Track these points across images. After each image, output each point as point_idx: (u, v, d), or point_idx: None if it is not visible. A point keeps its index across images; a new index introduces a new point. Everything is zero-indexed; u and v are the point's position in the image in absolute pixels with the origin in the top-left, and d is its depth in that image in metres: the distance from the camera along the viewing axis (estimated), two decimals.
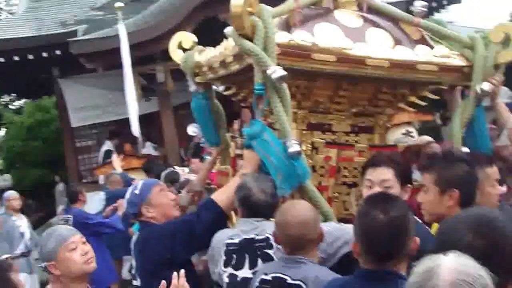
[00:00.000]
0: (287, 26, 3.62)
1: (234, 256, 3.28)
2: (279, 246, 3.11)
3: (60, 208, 12.79)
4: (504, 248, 1.83)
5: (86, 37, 11.29)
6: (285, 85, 3.35)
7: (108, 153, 11.78)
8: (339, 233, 3.16)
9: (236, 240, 3.31)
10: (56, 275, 3.13)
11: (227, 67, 3.84)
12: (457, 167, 2.89)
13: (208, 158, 8.45)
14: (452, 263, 1.57)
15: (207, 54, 4.18)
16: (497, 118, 4.41)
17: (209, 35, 10.04)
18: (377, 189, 3.07)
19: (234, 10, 3.21)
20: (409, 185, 3.25)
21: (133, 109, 9.93)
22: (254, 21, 3.30)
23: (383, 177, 3.15)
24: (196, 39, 4.53)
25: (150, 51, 10.68)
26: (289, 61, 3.44)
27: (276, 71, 3.20)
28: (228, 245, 3.31)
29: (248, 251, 3.26)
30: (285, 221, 2.97)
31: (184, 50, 4.51)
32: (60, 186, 15.31)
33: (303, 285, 2.85)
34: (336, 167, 3.78)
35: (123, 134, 11.79)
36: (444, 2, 11.62)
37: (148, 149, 12.07)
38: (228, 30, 4.03)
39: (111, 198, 7.36)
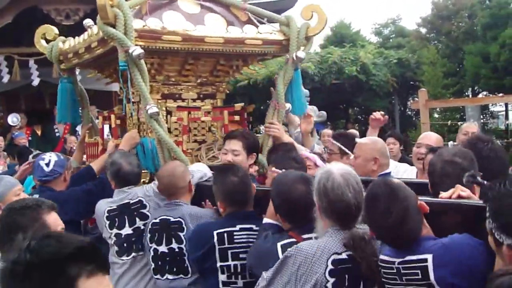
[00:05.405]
0: (140, 15, 4.42)
1: (116, 219, 4.10)
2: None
3: None
4: None
5: None
6: (143, 61, 4.15)
7: None
8: (196, 168, 4.19)
9: (115, 206, 4.13)
10: None
11: (92, 51, 4.57)
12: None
13: None
14: (341, 166, 2.92)
15: (72, 42, 4.88)
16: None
17: (30, 23, 10.01)
18: (229, 156, 4.15)
19: (99, 3, 3.96)
20: (254, 153, 4.29)
21: None
22: (116, 12, 4.06)
23: (233, 147, 4.18)
24: (57, 31, 5.21)
25: None
26: (144, 42, 4.24)
27: (135, 50, 4.01)
28: (108, 211, 4.12)
29: (127, 213, 4.10)
30: (161, 173, 3.99)
31: (47, 41, 5.18)
32: None
33: (182, 221, 3.80)
34: (187, 127, 4.66)
35: None
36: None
37: None
38: (86, 21, 4.78)
39: None
